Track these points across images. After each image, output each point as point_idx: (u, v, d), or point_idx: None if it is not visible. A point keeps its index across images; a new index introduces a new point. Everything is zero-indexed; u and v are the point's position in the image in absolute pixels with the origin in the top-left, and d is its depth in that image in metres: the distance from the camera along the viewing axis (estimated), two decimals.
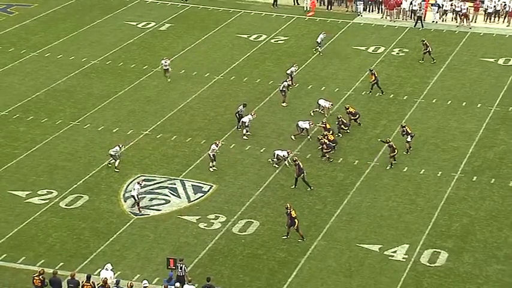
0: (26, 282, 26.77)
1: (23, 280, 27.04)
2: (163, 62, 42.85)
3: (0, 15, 52.03)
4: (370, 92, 41.18)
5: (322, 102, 38.74)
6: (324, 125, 36.40)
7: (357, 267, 28.69)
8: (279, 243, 29.91)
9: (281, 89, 40.15)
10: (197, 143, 36.76)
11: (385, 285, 27.74)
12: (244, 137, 36.79)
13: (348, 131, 37.10)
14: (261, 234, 30.49)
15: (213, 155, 34.37)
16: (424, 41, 45.81)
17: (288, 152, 34.84)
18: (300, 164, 33.06)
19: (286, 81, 40.67)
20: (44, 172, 34.22)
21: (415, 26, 50.95)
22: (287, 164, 34.26)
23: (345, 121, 37.10)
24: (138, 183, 32.12)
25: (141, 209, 31.68)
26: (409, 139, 35.37)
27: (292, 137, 36.88)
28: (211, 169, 34.46)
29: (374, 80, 40.96)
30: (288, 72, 42.31)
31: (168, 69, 42.65)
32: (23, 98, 40.72)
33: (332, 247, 29.75)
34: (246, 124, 36.82)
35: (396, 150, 34.76)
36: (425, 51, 45.26)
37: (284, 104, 40.06)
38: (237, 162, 35.34)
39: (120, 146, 34.25)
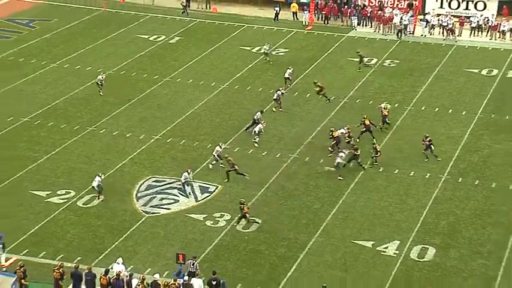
0: (46, 275, 26.75)
1: (44, 273, 27.03)
2: (99, 77, 42.09)
3: (24, 29, 52.09)
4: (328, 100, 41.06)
5: (341, 130, 36.86)
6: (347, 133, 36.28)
7: (352, 262, 28.65)
8: (280, 240, 29.87)
9: (275, 98, 40.13)
10: (204, 146, 36.73)
11: (378, 279, 27.69)
12: (256, 144, 36.46)
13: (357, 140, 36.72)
14: (263, 231, 30.45)
15: (218, 155, 34.41)
16: (358, 52, 46.01)
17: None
18: (231, 160, 33.48)
19: (279, 89, 40.52)
20: (63, 174, 34.23)
21: (398, 37, 50.89)
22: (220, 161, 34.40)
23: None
24: (99, 175, 32.09)
25: (100, 197, 31.92)
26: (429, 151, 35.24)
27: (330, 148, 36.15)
28: (210, 165, 34.53)
29: (320, 90, 40.69)
30: (286, 75, 42.59)
31: (102, 83, 41.88)
32: (44, 106, 40.75)
33: (328, 243, 29.71)
34: (257, 132, 36.52)
35: (379, 153, 34.71)
36: (360, 61, 45.48)
37: (281, 109, 39.95)
38: (241, 164, 35.25)
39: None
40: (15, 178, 33.86)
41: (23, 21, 53.49)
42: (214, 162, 34.70)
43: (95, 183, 32.31)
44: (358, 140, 36.48)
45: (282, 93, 40.51)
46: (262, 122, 37.04)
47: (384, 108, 38.45)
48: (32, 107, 40.61)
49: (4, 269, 27.10)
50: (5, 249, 28.31)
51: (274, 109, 40.11)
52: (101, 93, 41.76)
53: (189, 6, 56.43)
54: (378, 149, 34.89)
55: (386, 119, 38.07)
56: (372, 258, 28.85)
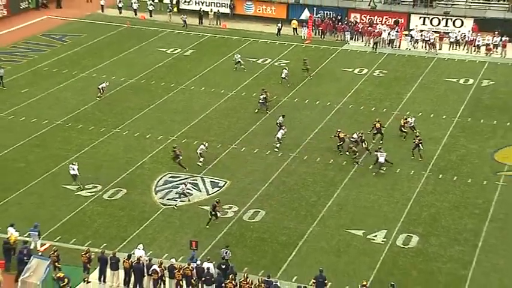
0: (76, 259, 26.83)
1: (74, 257, 27.09)
2: (103, 84, 42.24)
3: (57, 43, 52.17)
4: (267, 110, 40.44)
5: (354, 135, 36.21)
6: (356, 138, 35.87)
7: (345, 248, 28.64)
8: (281, 229, 29.87)
9: (260, 101, 40.11)
10: (214, 147, 36.72)
11: (367, 264, 27.68)
12: (276, 149, 35.94)
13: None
14: (267, 221, 30.45)
15: (200, 153, 34.50)
16: (305, 59, 45.95)
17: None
18: (177, 151, 33.65)
19: (262, 94, 40.53)
20: (90, 170, 34.23)
21: (374, 49, 50.81)
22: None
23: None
24: (73, 163, 32.58)
25: (82, 185, 32.05)
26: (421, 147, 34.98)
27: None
28: (199, 163, 34.47)
29: (306, 69, 40.58)
30: (283, 76, 43.41)
31: (103, 90, 42.02)
32: (74, 110, 40.77)
33: (324, 232, 29.70)
34: (280, 138, 35.96)
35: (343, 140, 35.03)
36: (304, 68, 45.31)
37: (268, 112, 40.02)
38: (247, 162, 35.32)
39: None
40: (50, 174, 33.91)
41: (57, 36, 53.57)
42: (202, 159, 34.67)
43: (72, 172, 32.46)
44: (374, 141, 36.41)
45: (265, 98, 40.42)
46: (283, 127, 36.52)
47: (377, 122, 37.45)
48: (64, 111, 40.66)
49: (40, 253, 27.15)
50: (41, 236, 28.38)
51: (256, 110, 40.16)
52: (98, 99, 41.56)
53: (201, 23, 56.58)
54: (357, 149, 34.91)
55: (402, 128, 37.35)
56: (363, 245, 28.84)
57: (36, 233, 28.17)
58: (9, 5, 57.32)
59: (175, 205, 31.19)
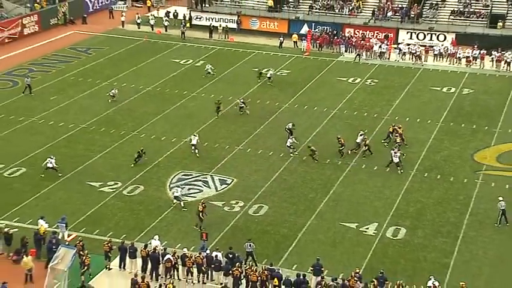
0: (98, 248, 26.83)
1: (97, 246, 27.09)
2: (113, 90, 42.31)
3: (82, 55, 52.19)
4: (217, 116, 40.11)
5: (359, 139, 36.02)
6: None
7: (340, 240, 28.55)
8: (283, 222, 29.80)
9: (239, 106, 40.22)
10: (222, 148, 36.67)
11: (360, 254, 27.59)
12: (291, 155, 35.28)
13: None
14: (270, 215, 30.38)
15: (194, 144, 35.17)
16: (259, 70, 46.13)
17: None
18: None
19: (240, 100, 40.81)
20: (112, 169, 34.24)
21: (356, 60, 50.67)
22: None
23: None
24: (50, 157, 33.07)
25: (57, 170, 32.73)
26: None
27: (349, 151, 35.56)
28: (197, 155, 34.97)
29: (219, 106, 40.11)
30: (268, 75, 44.89)
31: (114, 96, 42.09)
32: (98, 115, 40.74)
33: (321, 225, 29.61)
34: (289, 145, 35.41)
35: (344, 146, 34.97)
36: (260, 74, 45.75)
37: (241, 113, 40.22)
38: (252, 162, 35.24)
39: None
40: (76, 172, 33.91)
41: (82, 49, 53.60)
42: (197, 150, 35.04)
43: (49, 164, 32.70)
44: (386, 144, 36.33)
45: (244, 102, 40.50)
46: (291, 137, 35.86)
47: (399, 127, 37.06)
48: (88, 116, 40.65)
49: (67, 243, 27.16)
50: (67, 227, 28.40)
51: (241, 112, 40.23)
52: (109, 101, 41.71)
53: (211, 37, 56.54)
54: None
55: (402, 136, 36.74)
56: (356, 236, 28.74)
57: (64, 225, 28.20)
58: (40, 21, 57.52)
59: (183, 207, 30.54)
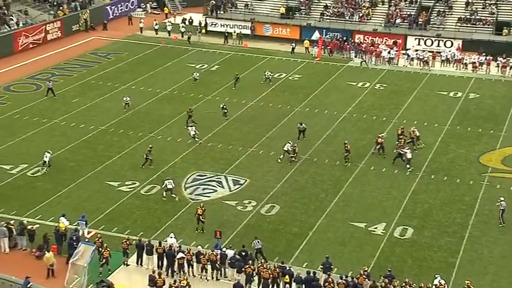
0: (117, 245, 26.93)
1: (115, 244, 27.17)
2: (126, 98, 41.67)
3: (103, 60, 52.44)
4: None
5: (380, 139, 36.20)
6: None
7: (349, 239, 28.47)
8: (294, 221, 29.77)
9: (222, 107, 40.39)
10: (236, 149, 36.69)
11: (368, 252, 27.50)
12: (293, 159, 34.85)
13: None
14: (281, 214, 30.35)
15: (194, 134, 36.63)
16: (237, 74, 45.96)
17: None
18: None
19: (222, 103, 40.85)
20: (130, 169, 34.37)
21: (362, 65, 50.64)
22: None
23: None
24: (48, 152, 33.60)
25: (44, 169, 33.21)
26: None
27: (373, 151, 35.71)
28: (200, 141, 36.49)
29: (190, 114, 39.41)
30: (267, 76, 45.75)
31: (128, 103, 41.47)
32: (116, 117, 40.88)
33: (331, 224, 29.54)
34: (286, 150, 34.94)
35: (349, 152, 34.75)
36: (236, 80, 45.50)
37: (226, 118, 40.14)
38: (264, 163, 35.22)
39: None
40: (95, 172, 34.06)
41: (103, 54, 53.87)
42: (197, 139, 36.01)
43: (46, 159, 33.27)
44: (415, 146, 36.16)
45: (225, 105, 40.62)
46: (289, 141, 35.25)
47: (412, 131, 36.88)
48: (107, 118, 40.82)
49: (87, 240, 27.32)
50: (87, 224, 28.55)
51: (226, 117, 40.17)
52: (125, 110, 41.10)
53: (226, 42, 56.61)
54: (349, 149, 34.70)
55: (414, 140, 36.62)
56: (364, 236, 28.64)
57: (84, 222, 28.35)
58: (63, 28, 57.94)
59: (177, 198, 30.89)
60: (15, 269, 25.50)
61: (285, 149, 35.07)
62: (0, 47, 51.51)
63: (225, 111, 40.42)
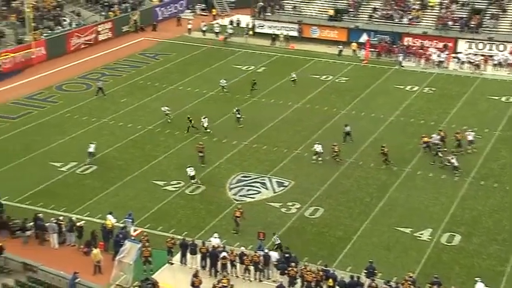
0: (162, 244, 27.24)
1: (160, 242, 27.47)
2: (164, 108, 40.59)
3: (151, 60, 53.20)
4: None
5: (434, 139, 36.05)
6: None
7: (394, 244, 28.10)
8: (338, 225, 29.56)
9: (235, 111, 39.92)
10: (281, 151, 36.66)
11: (414, 258, 27.07)
12: (319, 161, 35.01)
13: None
14: (325, 218, 30.18)
15: (205, 126, 37.88)
16: (254, 79, 45.28)
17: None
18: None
19: (235, 109, 40.06)
20: (175, 168, 34.69)
21: (400, 66, 50.15)
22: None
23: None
24: (91, 142, 34.70)
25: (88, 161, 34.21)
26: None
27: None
28: (208, 129, 37.85)
29: (190, 123, 38.70)
30: (293, 77, 45.24)
31: (168, 113, 40.32)
32: (162, 117, 41.14)
33: (376, 229, 29.22)
34: (318, 151, 34.92)
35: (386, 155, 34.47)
36: (253, 85, 44.74)
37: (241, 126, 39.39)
38: (309, 165, 35.07)
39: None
40: (142, 171, 34.53)
41: (151, 55, 54.70)
42: (209, 130, 37.55)
43: (90, 150, 34.18)
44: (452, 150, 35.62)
45: (238, 110, 39.93)
46: (317, 142, 35.45)
47: (461, 135, 36.40)
48: (154, 118, 41.31)
49: (133, 238, 27.66)
50: (134, 223, 28.98)
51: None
52: (169, 121, 40.20)
53: (274, 44, 56.66)
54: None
55: (459, 142, 36.16)
56: (410, 241, 28.22)
57: (130, 220, 28.78)
58: (114, 28, 59.16)
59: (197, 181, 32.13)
60: (64, 264, 26.10)
61: (317, 150, 34.72)
62: (54, 47, 52.94)
63: (238, 116, 39.47)
